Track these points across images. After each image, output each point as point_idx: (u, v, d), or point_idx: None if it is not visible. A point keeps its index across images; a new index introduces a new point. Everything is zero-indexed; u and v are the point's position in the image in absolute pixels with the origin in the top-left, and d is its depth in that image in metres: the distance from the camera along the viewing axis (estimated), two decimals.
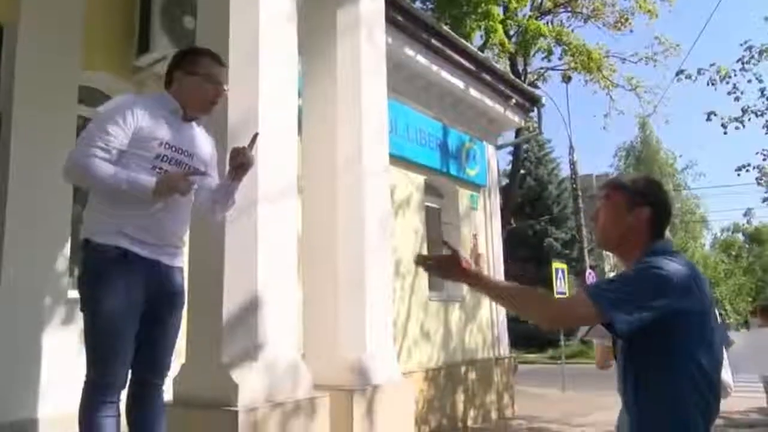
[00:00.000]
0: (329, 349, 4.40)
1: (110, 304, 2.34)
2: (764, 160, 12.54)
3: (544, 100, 10.57)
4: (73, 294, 3.14)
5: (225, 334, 3.42)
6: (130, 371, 2.45)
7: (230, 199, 2.72)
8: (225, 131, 3.48)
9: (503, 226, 10.75)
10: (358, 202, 4.63)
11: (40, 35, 4.49)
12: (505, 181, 16.79)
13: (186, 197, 2.55)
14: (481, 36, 13.18)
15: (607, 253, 7.05)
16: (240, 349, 3.45)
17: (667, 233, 1.87)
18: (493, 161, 9.75)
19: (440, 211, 8.63)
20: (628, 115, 45.52)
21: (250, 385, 3.37)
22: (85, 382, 2.38)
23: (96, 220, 2.44)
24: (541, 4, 16.31)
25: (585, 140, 66.97)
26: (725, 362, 2.15)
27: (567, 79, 17.02)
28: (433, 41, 7.52)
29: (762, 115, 11.85)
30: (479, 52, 9.21)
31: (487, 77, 8.69)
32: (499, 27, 12.75)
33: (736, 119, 11.88)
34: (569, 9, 16.34)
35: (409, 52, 7.24)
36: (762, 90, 11.83)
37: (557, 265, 12.90)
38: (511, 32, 14.48)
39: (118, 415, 2.41)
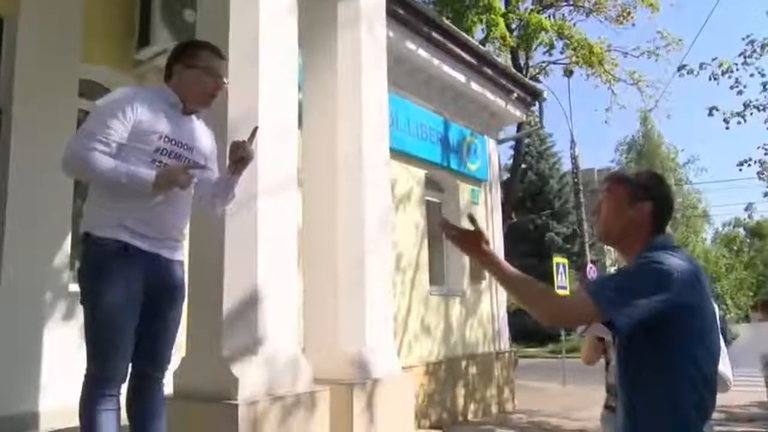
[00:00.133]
0: (329, 343, 4.40)
1: (110, 297, 2.34)
2: (766, 154, 12.57)
3: (545, 95, 10.55)
4: (74, 288, 3.14)
5: (225, 328, 3.43)
6: (130, 365, 2.44)
7: (230, 193, 2.71)
8: (225, 125, 3.48)
9: (504, 221, 10.75)
10: (359, 195, 4.62)
11: (40, 28, 4.48)
12: (506, 176, 16.74)
13: (186, 191, 2.54)
14: (483, 30, 13.10)
15: (608, 247, 7.03)
16: (240, 343, 3.45)
17: (668, 228, 1.86)
18: (494, 155, 9.74)
19: (441, 206, 8.63)
20: (629, 110, 45.27)
21: (251, 378, 3.37)
22: (86, 376, 2.38)
23: (96, 214, 2.43)
24: None
25: (586, 134, 66.99)
26: (725, 356, 2.14)
27: (569, 74, 16.95)
28: (435, 35, 7.49)
29: (764, 109, 11.83)
30: (480, 46, 9.17)
31: (489, 71, 8.66)
32: (501, 21, 12.67)
33: (738, 114, 11.86)
34: (571, 3, 16.25)
35: (411, 45, 7.21)
36: (764, 84, 11.80)
37: (558, 260, 12.90)
38: (513, 26, 14.40)
39: (119, 409, 2.41)
